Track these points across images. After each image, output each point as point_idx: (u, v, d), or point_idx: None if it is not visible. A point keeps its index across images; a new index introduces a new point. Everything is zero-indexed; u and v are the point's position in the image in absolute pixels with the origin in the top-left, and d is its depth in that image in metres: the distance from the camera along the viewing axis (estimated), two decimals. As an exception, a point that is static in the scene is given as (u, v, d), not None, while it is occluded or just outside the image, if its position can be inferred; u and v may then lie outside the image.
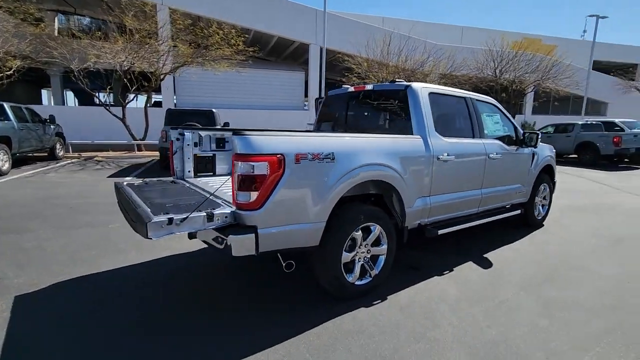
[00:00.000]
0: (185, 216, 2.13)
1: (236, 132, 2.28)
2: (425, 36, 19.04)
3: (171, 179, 3.77)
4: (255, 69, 18.04)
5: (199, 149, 3.86)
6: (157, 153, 11.47)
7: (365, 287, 2.91)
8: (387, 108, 4.03)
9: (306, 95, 20.63)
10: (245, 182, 2.25)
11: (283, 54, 22.13)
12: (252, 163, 2.23)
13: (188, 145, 3.86)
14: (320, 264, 2.69)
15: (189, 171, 3.89)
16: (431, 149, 3.31)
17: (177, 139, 3.82)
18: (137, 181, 3.60)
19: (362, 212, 2.82)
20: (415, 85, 3.51)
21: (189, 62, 14.16)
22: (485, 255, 3.93)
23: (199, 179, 3.89)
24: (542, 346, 2.33)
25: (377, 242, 2.99)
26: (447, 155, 3.44)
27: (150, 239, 2.03)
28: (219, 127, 15.13)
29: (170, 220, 2.08)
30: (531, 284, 3.24)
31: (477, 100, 4.19)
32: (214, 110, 10.96)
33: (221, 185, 3.11)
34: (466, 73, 17.23)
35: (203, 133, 4.05)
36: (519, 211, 4.63)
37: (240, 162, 2.25)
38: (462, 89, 4.42)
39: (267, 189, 2.28)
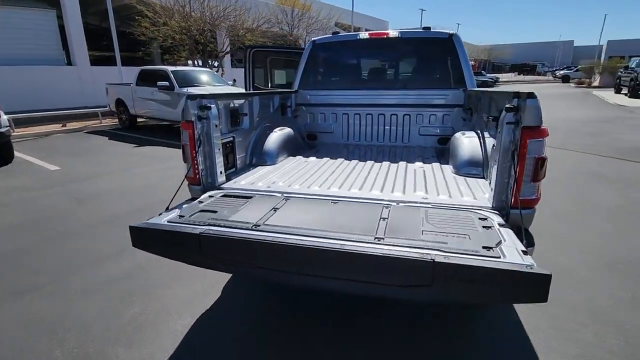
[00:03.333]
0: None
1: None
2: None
3: (212, 194, 2.42)
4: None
5: (219, 129, 2.69)
6: None
7: None
8: (423, 59, 3.94)
9: (66, 46, 15.22)
10: (539, 168, 1.88)
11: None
12: (543, 139, 1.88)
13: (216, 126, 2.53)
14: None
15: (221, 172, 2.61)
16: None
17: (201, 117, 2.45)
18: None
19: None
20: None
21: None
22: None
23: (234, 180, 2.78)
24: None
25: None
26: None
27: None
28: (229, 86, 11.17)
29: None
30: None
31: None
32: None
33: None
34: (269, 27, 17.53)
35: (219, 102, 2.75)
36: None
37: (534, 139, 1.84)
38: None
39: (541, 177, 1.99)
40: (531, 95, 1.81)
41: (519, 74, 56.38)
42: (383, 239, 1.66)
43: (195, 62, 15.91)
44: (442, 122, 4.03)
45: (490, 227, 1.79)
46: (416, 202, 2.19)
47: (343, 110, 4.30)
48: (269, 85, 6.22)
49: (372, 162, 3.32)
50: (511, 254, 1.50)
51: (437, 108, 4.01)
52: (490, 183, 2.47)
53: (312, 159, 3.49)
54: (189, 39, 14.84)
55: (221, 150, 2.62)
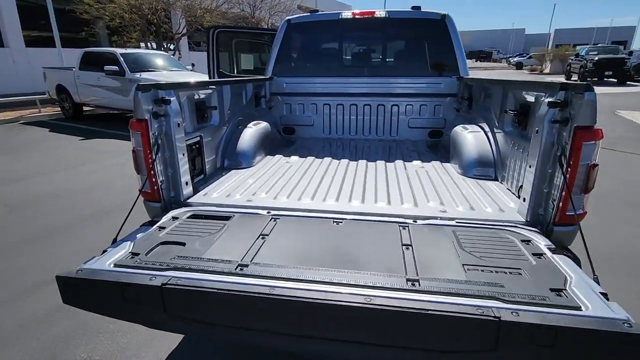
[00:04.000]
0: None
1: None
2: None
3: (177, 215, 1.92)
4: None
5: (182, 129, 2.17)
6: None
7: None
8: (413, 43, 3.54)
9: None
10: (591, 176, 1.55)
11: None
12: (597, 142, 1.54)
13: (178, 125, 2.01)
14: None
15: (187, 182, 2.07)
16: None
17: (158, 114, 1.92)
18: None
19: None
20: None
21: None
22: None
23: (205, 192, 2.26)
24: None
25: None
26: None
27: None
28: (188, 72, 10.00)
29: None
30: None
31: None
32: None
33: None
34: (229, 8, 16.43)
35: (181, 93, 2.22)
36: None
37: (588, 142, 1.50)
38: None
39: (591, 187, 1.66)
40: (588, 88, 1.45)
41: (476, 61, 58.09)
42: (418, 281, 1.25)
43: (148, 45, 14.54)
44: (433, 113, 3.69)
45: (541, 254, 1.44)
46: (436, 218, 1.80)
47: (324, 100, 3.83)
48: (235, 71, 5.58)
49: (365, 161, 2.90)
50: (591, 300, 1.14)
51: (428, 97, 3.65)
52: (512, 188, 2.13)
53: (295, 158, 3.01)
54: (140, 19, 13.48)
55: (186, 154, 2.08)
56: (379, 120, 3.79)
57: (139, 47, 14.29)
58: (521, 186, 1.91)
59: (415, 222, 1.74)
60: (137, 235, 1.61)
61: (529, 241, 1.55)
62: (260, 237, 1.58)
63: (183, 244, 1.52)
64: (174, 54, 13.69)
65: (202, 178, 2.44)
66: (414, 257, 1.41)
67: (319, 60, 4.01)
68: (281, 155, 3.10)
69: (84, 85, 9.35)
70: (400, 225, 1.70)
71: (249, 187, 2.29)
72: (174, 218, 1.81)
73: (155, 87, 1.85)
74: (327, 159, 2.92)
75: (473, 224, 1.72)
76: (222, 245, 1.52)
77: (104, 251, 1.46)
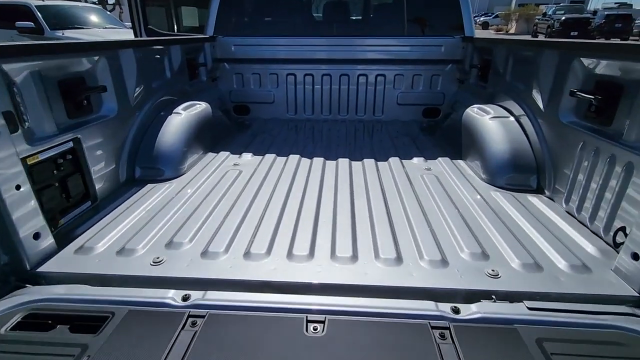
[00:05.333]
0: None
1: None
2: None
3: None
4: None
5: (21, 135, 1.20)
6: None
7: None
8: None
9: None
10: None
11: None
12: None
13: None
14: None
15: (35, 235, 1.19)
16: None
17: None
18: None
19: None
20: None
21: None
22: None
23: (77, 246, 1.31)
24: None
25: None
26: None
27: None
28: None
29: None
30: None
31: None
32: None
33: None
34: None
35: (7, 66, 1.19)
36: None
37: None
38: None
39: None
40: None
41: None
42: None
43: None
44: (429, 86, 2.85)
45: None
46: (490, 299, 1.02)
47: (288, 68, 2.86)
48: (175, 28, 4.38)
49: (347, 160, 2.06)
50: None
51: (423, 65, 2.79)
52: (582, 214, 1.38)
53: (246, 158, 2.10)
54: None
55: (30, 183, 1.13)
56: (359, 96, 2.90)
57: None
58: (621, 229, 1.16)
59: (458, 312, 0.95)
60: None
61: None
62: None
63: None
64: (113, 9, 11.64)
65: (89, 207, 1.49)
66: None
67: (280, 13, 2.97)
68: (228, 153, 2.17)
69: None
70: (433, 328, 0.90)
71: (165, 224, 1.39)
72: None
73: None
74: (292, 161, 2.04)
75: (558, 317, 0.96)
76: None
77: None
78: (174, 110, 2.04)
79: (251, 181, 1.78)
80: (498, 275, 1.11)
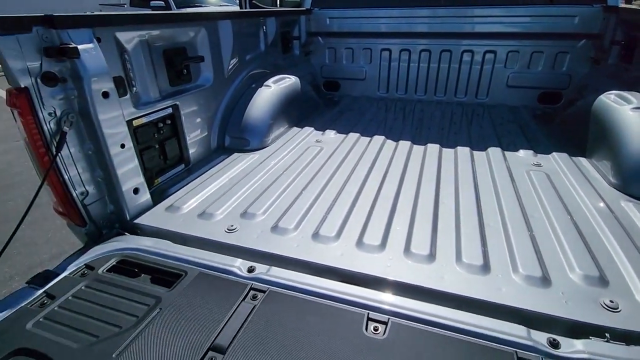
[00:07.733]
0: None
1: None
2: None
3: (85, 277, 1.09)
4: None
5: (129, 99, 1.32)
6: None
7: None
8: None
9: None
10: None
11: None
12: None
13: (106, 95, 1.08)
14: None
15: (135, 190, 1.25)
16: None
17: (52, 77, 0.98)
18: None
19: None
20: None
21: None
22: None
23: (167, 204, 1.39)
24: None
25: None
26: None
27: None
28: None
29: None
30: None
31: None
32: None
33: None
34: None
35: (121, 34, 1.23)
36: None
37: None
38: None
39: None
40: None
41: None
42: None
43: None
44: (552, 66, 2.40)
45: None
46: None
47: (382, 43, 2.69)
48: (278, 4, 4.48)
49: (437, 145, 1.86)
50: None
51: (546, 40, 2.35)
52: None
53: (331, 135, 2.06)
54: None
55: (132, 143, 1.25)
56: (461, 75, 2.59)
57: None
58: None
59: (557, 347, 0.77)
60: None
61: None
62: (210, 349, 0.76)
63: None
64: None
65: (182, 170, 1.62)
66: None
67: None
68: (312, 129, 2.15)
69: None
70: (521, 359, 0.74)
71: (243, 193, 1.43)
72: (89, 268, 1.03)
73: (46, 21, 0.98)
74: (376, 143, 1.92)
75: None
76: None
77: None
78: (265, 83, 2.07)
79: (331, 159, 1.73)
80: (618, 308, 0.87)
